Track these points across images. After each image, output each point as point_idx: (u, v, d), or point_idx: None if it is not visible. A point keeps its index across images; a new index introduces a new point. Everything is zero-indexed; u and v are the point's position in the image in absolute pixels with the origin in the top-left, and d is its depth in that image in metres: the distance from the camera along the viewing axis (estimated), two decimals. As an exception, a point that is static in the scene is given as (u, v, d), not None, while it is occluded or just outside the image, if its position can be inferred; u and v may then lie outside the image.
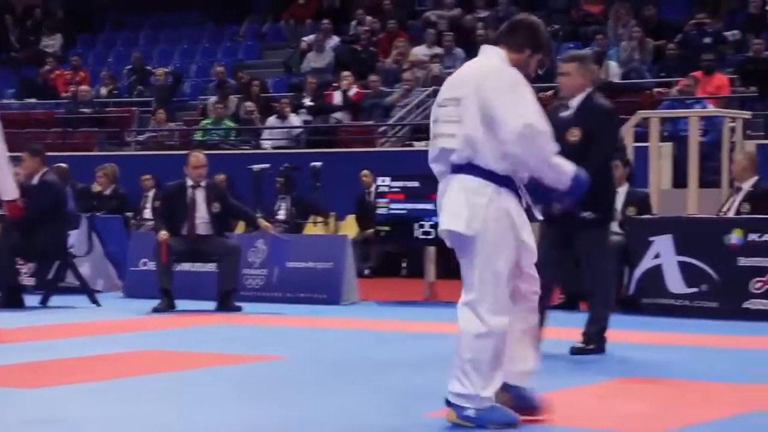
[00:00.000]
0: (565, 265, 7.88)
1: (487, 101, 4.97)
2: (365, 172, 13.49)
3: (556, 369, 6.78)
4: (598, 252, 7.51)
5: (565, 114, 7.50)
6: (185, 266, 11.34)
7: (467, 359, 4.98)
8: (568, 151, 7.29)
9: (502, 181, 5.01)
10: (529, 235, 5.08)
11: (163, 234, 10.65)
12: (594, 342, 7.51)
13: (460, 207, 5.00)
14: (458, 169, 5.05)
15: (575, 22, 19.14)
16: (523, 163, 5.01)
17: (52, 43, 23.36)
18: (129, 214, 15.13)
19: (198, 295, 11.05)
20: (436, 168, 5.23)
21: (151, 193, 15.63)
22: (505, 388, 5.12)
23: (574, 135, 7.33)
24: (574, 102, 7.51)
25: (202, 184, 10.94)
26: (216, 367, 7.17)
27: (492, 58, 5.16)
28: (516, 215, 5.03)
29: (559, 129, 7.45)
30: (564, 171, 5.09)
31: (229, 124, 18.52)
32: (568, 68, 7.55)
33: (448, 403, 5.08)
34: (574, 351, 7.51)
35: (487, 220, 4.97)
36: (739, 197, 10.62)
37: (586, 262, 7.56)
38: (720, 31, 17.70)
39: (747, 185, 10.63)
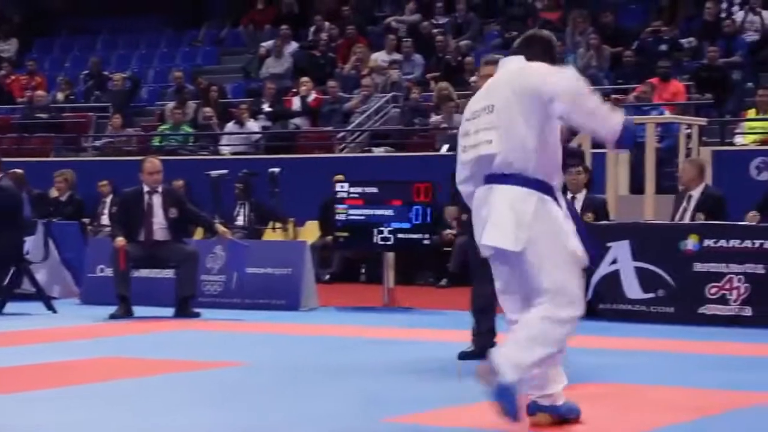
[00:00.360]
0: None
1: (527, 88, 5.00)
2: (339, 177, 13.39)
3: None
4: None
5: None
6: (143, 272, 11.26)
7: (530, 332, 4.91)
8: None
9: (544, 188, 5.03)
10: (575, 243, 5.06)
11: (120, 240, 10.59)
12: None
13: (506, 220, 4.97)
14: (499, 179, 5.03)
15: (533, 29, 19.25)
16: (572, 121, 5.02)
17: (7, 47, 23.16)
18: (86, 220, 15.03)
19: (156, 302, 10.99)
20: (466, 189, 5.24)
21: (108, 199, 15.55)
22: (542, 409, 5.18)
23: None
24: None
25: (159, 189, 10.89)
26: (174, 374, 7.13)
27: (517, 64, 5.23)
28: (563, 222, 5.05)
29: None
30: (614, 119, 5.03)
31: (188, 129, 18.44)
32: (491, 71, 7.51)
33: (485, 360, 4.95)
34: None
35: (535, 230, 4.96)
36: (691, 205, 10.74)
37: None
38: (676, 38, 17.86)
39: (697, 192, 10.76)
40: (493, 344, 7.64)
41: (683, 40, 17.90)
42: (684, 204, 10.82)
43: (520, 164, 5.00)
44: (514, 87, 5.07)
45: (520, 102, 5.02)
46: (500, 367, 4.85)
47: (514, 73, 5.15)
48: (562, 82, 4.97)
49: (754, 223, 10.41)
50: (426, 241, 11.43)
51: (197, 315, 10.60)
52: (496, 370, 4.84)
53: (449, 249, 13.92)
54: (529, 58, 5.23)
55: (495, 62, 7.61)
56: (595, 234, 10.42)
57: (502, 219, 4.99)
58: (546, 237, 4.97)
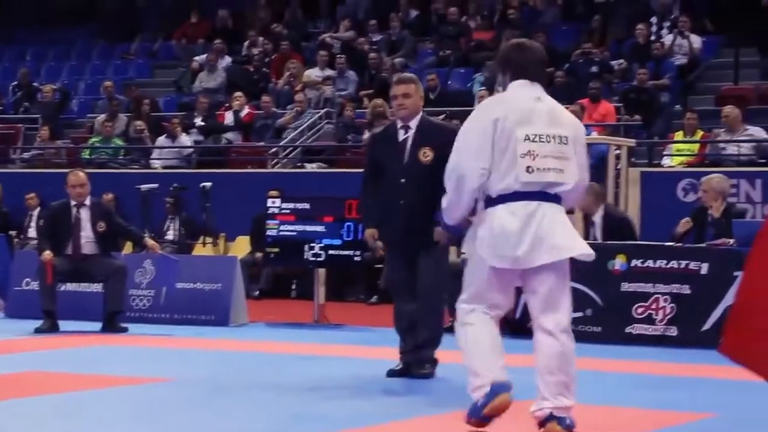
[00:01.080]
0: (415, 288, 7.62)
1: (583, 149, 5.51)
2: (274, 192, 13.33)
3: (432, 392, 6.83)
4: (435, 271, 7.44)
5: (406, 135, 7.52)
6: (70, 286, 11.15)
7: (573, 373, 5.36)
8: (419, 171, 7.36)
9: None
10: None
11: (47, 254, 10.46)
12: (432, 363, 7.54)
13: (575, 234, 5.43)
14: (550, 198, 5.35)
15: (466, 48, 19.40)
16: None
17: (-65, 56, 22.83)
18: (12, 232, 14.84)
19: (83, 316, 10.87)
20: (471, 202, 5.57)
21: (35, 212, 15.37)
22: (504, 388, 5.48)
23: (427, 155, 7.36)
24: (413, 123, 7.52)
25: (87, 203, 10.78)
26: (101, 390, 7.06)
27: (548, 98, 5.52)
28: None
29: (401, 151, 7.51)
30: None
31: (118, 142, 18.29)
32: (408, 89, 7.55)
33: (550, 419, 5.31)
34: (419, 373, 7.51)
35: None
36: (598, 230, 10.90)
37: (421, 282, 7.48)
38: (606, 60, 18.09)
39: (598, 217, 10.96)
40: (420, 360, 7.61)
41: (613, 62, 18.14)
42: (590, 228, 10.99)
43: (574, 193, 5.43)
44: (580, 136, 5.49)
45: (579, 143, 5.45)
46: (565, 417, 5.32)
47: (579, 126, 5.53)
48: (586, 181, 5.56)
49: (681, 239, 10.53)
50: (357, 258, 11.44)
51: (125, 330, 10.50)
52: (565, 421, 5.30)
53: (380, 266, 13.93)
54: (543, 82, 5.53)
55: (410, 80, 7.67)
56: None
57: (574, 234, 5.41)
58: None
